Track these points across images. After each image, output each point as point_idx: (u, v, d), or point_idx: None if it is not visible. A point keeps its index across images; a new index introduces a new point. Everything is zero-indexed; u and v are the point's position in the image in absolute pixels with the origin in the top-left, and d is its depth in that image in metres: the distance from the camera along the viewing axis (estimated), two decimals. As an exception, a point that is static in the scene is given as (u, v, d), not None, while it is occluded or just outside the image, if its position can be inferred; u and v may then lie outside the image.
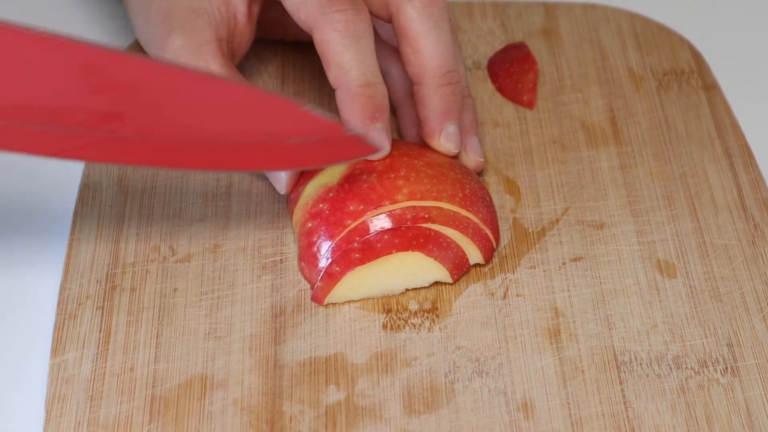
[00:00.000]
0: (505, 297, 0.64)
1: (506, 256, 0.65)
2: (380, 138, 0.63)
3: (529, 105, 0.73)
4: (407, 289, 0.63)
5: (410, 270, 0.63)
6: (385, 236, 0.62)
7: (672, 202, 0.68)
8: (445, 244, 0.63)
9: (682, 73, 0.76)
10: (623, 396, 0.59)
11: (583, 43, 0.77)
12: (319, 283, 0.62)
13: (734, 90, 0.75)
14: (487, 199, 0.65)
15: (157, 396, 0.59)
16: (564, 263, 0.65)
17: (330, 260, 0.62)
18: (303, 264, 0.63)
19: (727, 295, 0.64)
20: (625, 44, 0.77)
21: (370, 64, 0.63)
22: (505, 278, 0.64)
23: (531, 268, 0.65)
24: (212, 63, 0.66)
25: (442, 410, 0.59)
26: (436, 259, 0.63)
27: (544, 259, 0.65)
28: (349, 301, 0.63)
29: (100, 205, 0.68)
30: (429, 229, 0.62)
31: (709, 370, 0.60)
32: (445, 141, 0.65)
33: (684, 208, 0.68)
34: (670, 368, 0.60)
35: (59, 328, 0.62)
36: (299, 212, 0.65)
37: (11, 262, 0.67)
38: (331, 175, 0.64)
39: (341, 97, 0.63)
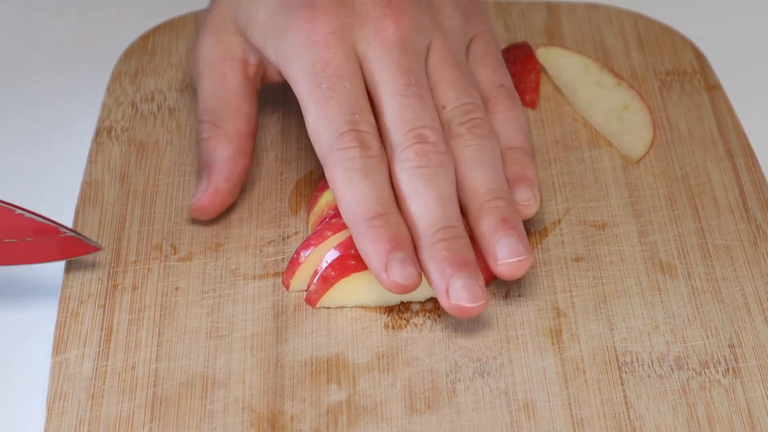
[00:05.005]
0: (506, 297, 0.64)
1: (508, 256, 0.65)
2: (402, 268, 0.59)
3: (532, 105, 0.73)
4: (402, 303, 0.63)
5: None
6: None
7: (674, 202, 0.68)
8: None
9: (684, 74, 0.75)
10: (624, 396, 0.59)
11: (586, 43, 0.77)
12: (313, 286, 0.62)
13: (737, 91, 0.75)
14: None
15: (159, 395, 0.59)
16: (566, 263, 0.65)
17: (327, 264, 0.62)
18: None
19: (729, 296, 0.64)
20: (627, 44, 0.77)
21: (378, 196, 0.61)
22: (507, 278, 0.64)
23: (533, 268, 0.65)
24: (231, 78, 0.67)
25: (443, 410, 0.59)
26: None
27: (546, 259, 0.65)
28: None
29: (102, 203, 0.68)
30: None
31: (710, 371, 0.60)
32: (455, 300, 0.59)
33: (686, 209, 0.68)
34: (672, 369, 0.60)
35: (61, 326, 0.62)
36: (314, 217, 0.65)
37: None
38: None
39: (354, 236, 0.61)
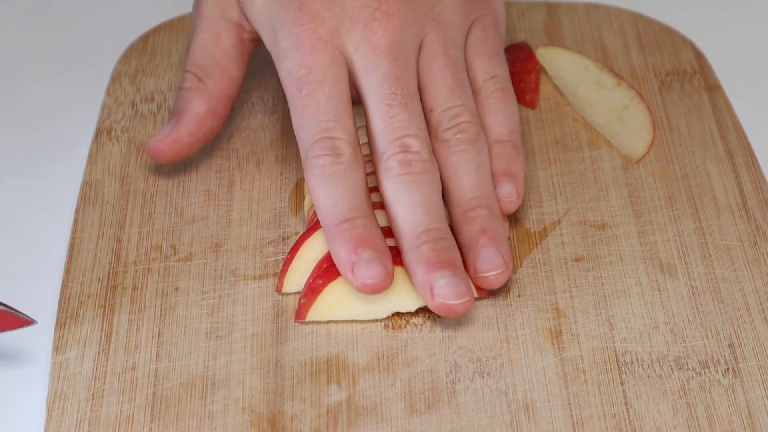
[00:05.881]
0: (506, 297, 0.64)
1: (508, 256, 0.65)
2: (368, 267, 0.60)
3: (532, 105, 0.73)
4: (393, 314, 0.62)
5: (394, 288, 0.61)
6: None
7: (674, 202, 0.68)
8: None
9: (684, 74, 0.75)
10: (624, 397, 0.59)
11: (586, 43, 0.77)
12: (302, 300, 0.62)
13: (736, 91, 0.75)
14: None
15: (159, 395, 0.59)
16: (566, 264, 0.65)
17: (314, 276, 0.62)
18: None
19: (729, 296, 0.64)
20: (627, 44, 0.77)
21: (348, 201, 0.61)
22: (508, 278, 0.64)
23: (533, 268, 0.65)
24: (225, 39, 0.68)
25: (443, 410, 0.59)
26: None
27: (545, 259, 0.65)
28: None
29: (102, 203, 0.68)
30: None
31: (710, 371, 0.60)
32: (439, 299, 0.60)
33: (686, 209, 0.68)
34: (672, 369, 0.60)
35: (61, 326, 0.62)
36: (308, 204, 0.65)
37: (12, 260, 0.67)
38: None
39: (327, 241, 0.61)
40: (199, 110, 0.68)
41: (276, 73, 0.73)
